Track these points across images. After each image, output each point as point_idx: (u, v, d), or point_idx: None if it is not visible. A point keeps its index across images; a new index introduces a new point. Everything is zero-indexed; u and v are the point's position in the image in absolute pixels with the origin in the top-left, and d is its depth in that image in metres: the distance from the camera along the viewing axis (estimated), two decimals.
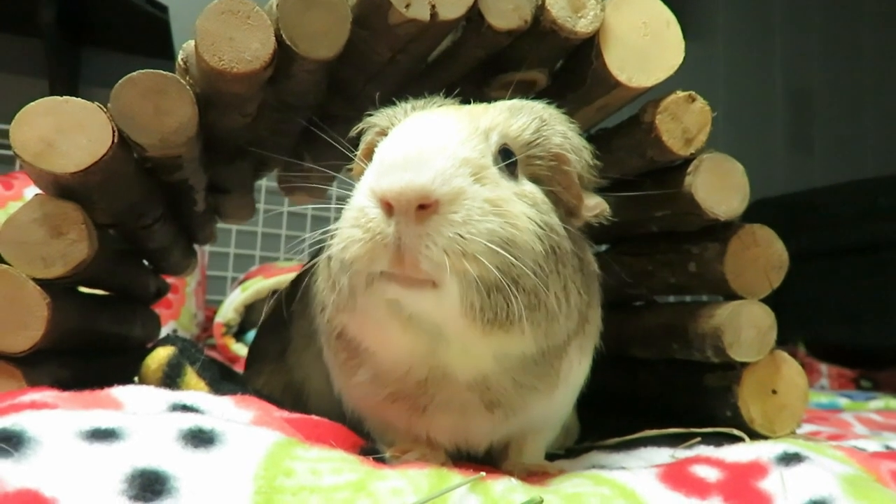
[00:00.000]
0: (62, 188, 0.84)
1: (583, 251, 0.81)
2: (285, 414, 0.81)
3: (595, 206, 0.79)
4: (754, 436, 0.98)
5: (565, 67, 1.03)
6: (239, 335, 2.55)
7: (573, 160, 0.77)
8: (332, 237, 0.72)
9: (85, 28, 2.73)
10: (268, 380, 1.11)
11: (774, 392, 1.02)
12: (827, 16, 4.24)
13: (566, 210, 0.78)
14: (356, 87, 1.03)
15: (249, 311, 2.54)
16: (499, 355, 0.73)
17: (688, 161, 0.98)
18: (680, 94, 0.95)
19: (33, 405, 0.65)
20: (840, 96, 4.19)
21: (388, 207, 0.64)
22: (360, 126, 0.84)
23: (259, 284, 2.55)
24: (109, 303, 1.18)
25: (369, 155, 0.76)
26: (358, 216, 0.67)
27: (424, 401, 0.76)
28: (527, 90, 0.98)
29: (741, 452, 0.78)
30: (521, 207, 0.70)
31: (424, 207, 0.64)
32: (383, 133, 0.78)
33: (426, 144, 0.67)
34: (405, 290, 0.66)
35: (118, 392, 0.76)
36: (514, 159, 0.74)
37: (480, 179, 0.67)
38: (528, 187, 0.74)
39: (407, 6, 0.84)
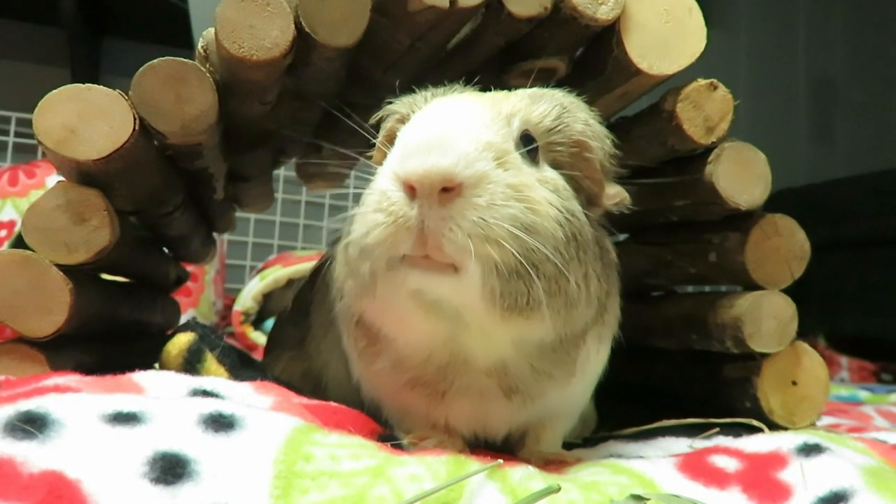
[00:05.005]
0: (84, 175, 0.85)
1: (603, 240, 0.80)
2: (304, 400, 0.81)
3: (615, 194, 0.79)
4: (774, 427, 0.97)
5: (585, 55, 1.02)
6: (257, 323, 2.56)
7: (595, 147, 0.77)
8: (350, 224, 0.72)
9: (105, 18, 2.76)
10: (286, 367, 1.12)
11: (795, 383, 1.01)
12: (851, 3, 4.17)
13: (586, 198, 0.78)
14: (375, 75, 1.03)
15: (267, 300, 2.56)
16: (518, 341, 0.73)
17: (709, 150, 0.97)
18: (701, 81, 0.94)
19: (57, 389, 0.66)
20: (864, 85, 4.12)
21: (412, 191, 0.64)
22: (380, 113, 0.84)
23: (277, 273, 2.56)
24: (130, 290, 1.19)
25: (389, 141, 0.76)
26: (380, 200, 0.67)
27: (444, 386, 0.76)
28: (546, 78, 0.97)
29: (761, 443, 0.78)
30: (543, 193, 0.69)
31: (448, 190, 0.64)
32: (403, 120, 0.78)
33: (449, 128, 0.66)
34: (426, 276, 0.66)
35: (140, 377, 0.76)
36: (535, 145, 0.74)
37: (503, 164, 0.67)
38: (550, 173, 0.74)
39: None
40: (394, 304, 0.70)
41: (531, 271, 0.65)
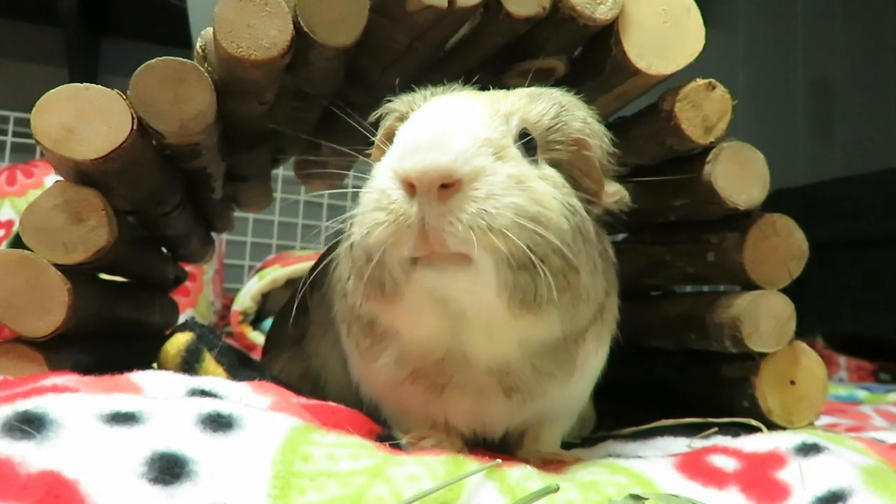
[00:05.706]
0: (82, 175, 0.85)
1: (601, 238, 0.80)
2: (302, 400, 0.81)
3: (615, 192, 0.79)
4: (772, 427, 0.97)
5: (584, 55, 1.02)
6: (256, 323, 2.56)
7: (594, 145, 0.77)
8: (351, 225, 0.72)
9: (104, 17, 2.75)
10: (285, 366, 1.12)
11: (793, 383, 1.02)
12: (849, 3, 4.18)
13: (585, 196, 0.78)
14: (374, 74, 1.03)
15: (266, 300, 2.55)
16: (524, 340, 0.72)
17: (707, 150, 0.97)
18: (700, 81, 0.94)
19: (55, 389, 0.66)
20: (862, 85, 4.12)
21: (411, 188, 0.64)
22: (379, 111, 0.84)
23: (276, 273, 2.55)
24: (129, 289, 1.19)
25: (388, 140, 0.76)
26: (380, 198, 0.66)
27: (443, 380, 0.76)
28: (545, 78, 0.97)
29: (759, 443, 0.78)
30: (545, 186, 0.69)
31: (447, 187, 0.63)
32: (402, 118, 0.78)
33: (448, 125, 0.66)
34: (442, 273, 0.65)
35: (138, 377, 0.76)
36: (534, 144, 0.74)
37: (502, 158, 0.67)
38: (549, 171, 0.74)
39: None
40: (411, 306, 0.69)
41: (539, 264, 0.65)
